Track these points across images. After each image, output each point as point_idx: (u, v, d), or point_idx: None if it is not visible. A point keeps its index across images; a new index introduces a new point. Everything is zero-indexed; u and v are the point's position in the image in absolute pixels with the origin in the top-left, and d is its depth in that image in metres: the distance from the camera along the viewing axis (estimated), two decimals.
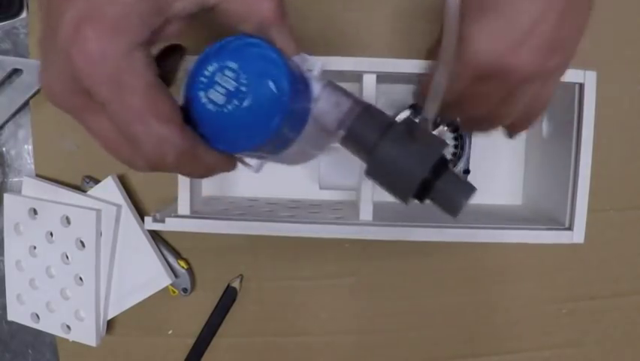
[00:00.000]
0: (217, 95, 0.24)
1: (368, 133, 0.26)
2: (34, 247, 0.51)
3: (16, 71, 0.50)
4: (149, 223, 0.41)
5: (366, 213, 0.41)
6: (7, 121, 0.52)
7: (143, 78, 0.22)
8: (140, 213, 0.51)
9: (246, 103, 0.24)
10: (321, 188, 0.46)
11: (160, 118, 0.23)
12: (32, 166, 0.53)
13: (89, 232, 0.49)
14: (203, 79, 0.25)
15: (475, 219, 0.42)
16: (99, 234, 0.50)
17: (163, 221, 0.41)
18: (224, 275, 0.53)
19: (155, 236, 0.52)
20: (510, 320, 0.53)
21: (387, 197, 0.46)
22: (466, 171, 0.48)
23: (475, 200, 0.50)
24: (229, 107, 0.24)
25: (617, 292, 0.52)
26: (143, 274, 0.51)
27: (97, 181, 0.51)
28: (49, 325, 0.52)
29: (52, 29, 0.22)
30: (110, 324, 0.53)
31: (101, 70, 0.21)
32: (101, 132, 0.24)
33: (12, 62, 0.50)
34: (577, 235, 0.40)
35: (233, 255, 0.52)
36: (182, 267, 0.52)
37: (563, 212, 0.41)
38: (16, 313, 0.53)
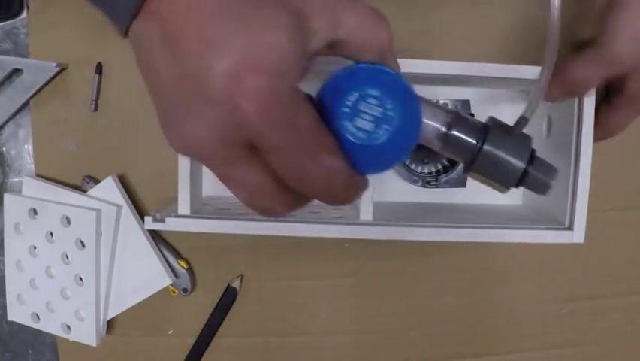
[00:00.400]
0: (365, 123, 0.26)
1: (470, 137, 0.30)
2: (34, 247, 0.51)
3: (16, 71, 0.50)
4: (149, 223, 0.41)
5: (366, 213, 0.41)
6: (7, 121, 0.52)
7: (311, 116, 0.23)
8: (140, 213, 0.51)
9: (394, 127, 0.26)
10: None
11: (330, 152, 0.23)
12: (32, 166, 0.53)
13: (89, 232, 0.49)
14: (346, 109, 0.26)
15: (476, 219, 0.42)
16: (99, 234, 0.50)
17: (163, 221, 0.41)
18: (224, 275, 0.53)
19: (155, 236, 0.52)
20: (510, 320, 0.53)
21: (387, 197, 0.46)
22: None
23: (475, 200, 0.50)
24: (380, 132, 0.26)
25: (617, 292, 0.52)
26: (143, 274, 0.51)
27: (97, 181, 0.51)
28: (49, 325, 0.52)
29: (191, 81, 0.21)
30: (110, 324, 0.53)
31: (274, 115, 0.21)
32: (247, 182, 0.24)
33: (12, 62, 0.50)
34: (577, 235, 0.40)
35: (234, 255, 0.52)
36: (182, 267, 0.52)
37: (563, 212, 0.41)
38: (16, 313, 0.53)
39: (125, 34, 0.24)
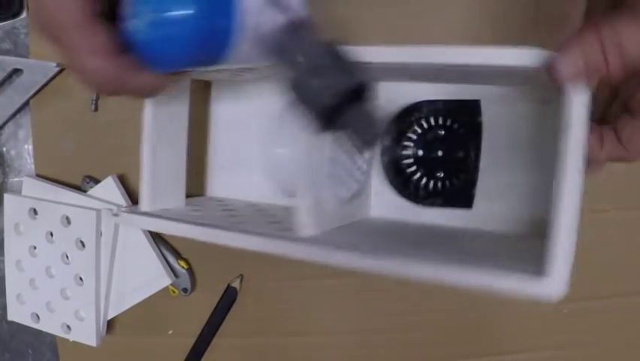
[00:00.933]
0: (139, 21, 0.25)
1: (294, 50, 0.26)
2: (35, 247, 0.51)
3: (16, 71, 0.50)
4: (107, 215, 0.41)
5: (306, 227, 0.36)
6: (7, 121, 0.52)
7: (72, 17, 0.26)
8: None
9: (160, 19, 0.24)
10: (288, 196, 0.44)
11: (91, 51, 0.26)
12: (32, 166, 0.53)
13: (89, 232, 0.49)
14: (130, 9, 0.26)
15: (464, 249, 0.36)
16: (99, 234, 0.50)
17: (117, 215, 0.41)
18: (224, 275, 0.53)
19: (155, 236, 0.52)
20: (510, 321, 0.53)
21: (381, 213, 0.41)
22: (472, 190, 0.42)
23: (482, 225, 0.41)
24: (148, 27, 0.25)
25: (617, 292, 0.52)
26: (143, 274, 0.51)
27: (97, 181, 0.51)
28: (49, 325, 0.52)
29: None
30: (110, 324, 0.53)
31: (44, 17, 0.27)
32: (65, 60, 0.28)
33: (12, 62, 0.50)
34: (551, 285, 0.27)
35: (234, 255, 0.52)
36: (182, 267, 0.52)
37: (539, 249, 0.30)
38: (16, 313, 0.53)
39: None
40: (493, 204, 0.41)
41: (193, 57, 0.25)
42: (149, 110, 0.42)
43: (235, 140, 0.50)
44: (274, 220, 0.42)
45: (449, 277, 0.33)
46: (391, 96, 0.43)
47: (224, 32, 0.25)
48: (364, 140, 0.27)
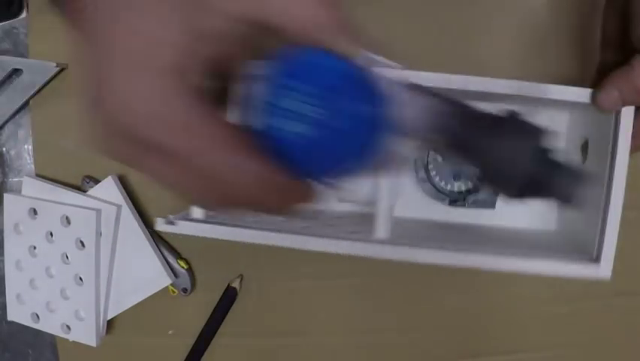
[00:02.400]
0: (292, 123, 0.20)
1: (476, 133, 0.23)
2: (34, 247, 0.51)
3: (16, 71, 0.50)
4: (161, 225, 0.40)
5: (382, 230, 0.39)
6: (7, 121, 0.52)
7: (205, 112, 0.20)
8: (140, 213, 0.51)
9: (324, 125, 0.20)
10: (338, 201, 0.44)
11: (236, 150, 0.20)
12: (32, 166, 0.53)
13: (89, 232, 0.49)
14: (271, 105, 0.21)
15: (498, 245, 0.40)
16: (99, 234, 0.50)
17: (174, 223, 0.40)
18: (224, 275, 0.53)
19: (155, 236, 0.52)
20: (510, 320, 0.53)
21: (408, 213, 0.43)
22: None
23: (504, 223, 0.47)
24: (309, 131, 0.20)
25: (617, 292, 0.52)
26: (143, 274, 0.51)
27: (97, 181, 0.51)
28: (49, 325, 0.52)
29: (97, 88, 0.21)
30: (110, 324, 0.53)
31: (139, 115, 0.19)
32: (165, 176, 0.21)
33: (12, 62, 0.50)
34: (603, 269, 0.37)
35: (234, 255, 0.52)
36: (182, 267, 0.52)
37: (592, 241, 0.38)
38: (16, 313, 0.53)
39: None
40: (513, 204, 0.45)
41: (357, 162, 0.22)
42: None
43: None
44: (331, 223, 0.44)
45: (523, 267, 0.37)
46: None
47: (381, 129, 0.22)
48: (567, 195, 0.24)
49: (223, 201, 0.21)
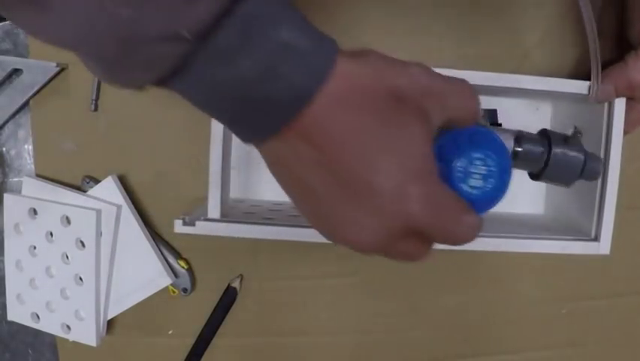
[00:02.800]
0: (476, 181, 0.31)
1: (537, 149, 0.36)
2: (34, 247, 0.51)
3: (16, 71, 0.50)
4: (179, 226, 0.39)
5: None
6: (7, 121, 0.52)
7: (449, 193, 0.28)
8: (140, 213, 0.51)
9: (497, 178, 0.31)
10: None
11: (467, 212, 0.28)
12: (32, 166, 0.53)
13: (89, 232, 0.49)
14: (459, 173, 0.31)
15: (500, 228, 0.41)
16: (99, 234, 0.50)
17: (193, 224, 0.40)
18: (225, 275, 0.53)
19: (155, 236, 0.52)
20: (510, 320, 0.53)
21: None
22: None
23: (496, 208, 0.49)
24: (488, 185, 0.31)
25: (617, 292, 0.52)
26: (143, 274, 0.51)
27: (97, 181, 0.51)
28: (49, 325, 0.52)
29: (358, 198, 0.25)
30: (110, 324, 0.53)
31: (433, 208, 0.26)
32: (406, 253, 0.28)
33: (12, 62, 0.50)
34: (603, 246, 0.40)
35: (234, 255, 0.52)
36: (182, 267, 0.52)
37: (588, 223, 0.41)
38: (16, 313, 0.53)
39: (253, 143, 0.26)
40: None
41: (500, 200, 0.32)
42: None
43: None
44: None
45: (528, 247, 0.41)
46: None
47: (510, 176, 0.32)
48: (596, 174, 0.38)
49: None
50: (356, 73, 0.24)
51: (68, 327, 0.52)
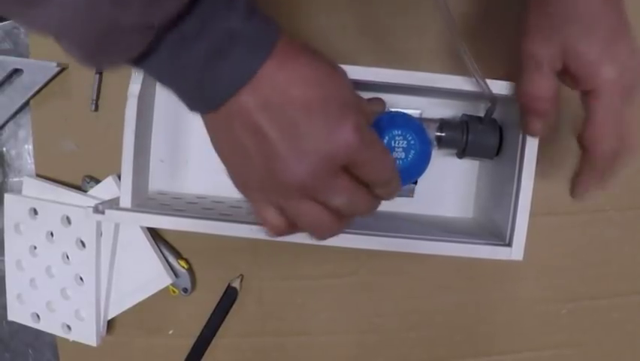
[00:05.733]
0: (399, 154, 0.37)
1: (458, 135, 0.44)
2: (35, 247, 0.51)
3: (16, 71, 0.50)
4: (89, 214, 0.40)
5: None
6: (7, 121, 0.52)
7: (379, 140, 0.31)
8: None
9: (416, 150, 0.37)
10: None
11: (390, 158, 0.31)
12: (32, 166, 0.53)
13: (89, 232, 0.49)
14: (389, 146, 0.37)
15: (419, 230, 0.42)
16: (99, 234, 0.50)
17: (103, 212, 0.41)
18: (225, 275, 0.53)
19: (156, 236, 0.52)
20: (510, 320, 0.53)
21: None
22: (415, 182, 0.48)
23: (424, 211, 0.51)
24: (409, 156, 0.37)
25: (617, 292, 0.52)
26: (143, 274, 0.51)
27: (97, 181, 0.51)
28: (49, 325, 0.52)
29: (298, 132, 0.27)
30: (110, 324, 0.53)
31: (364, 143, 0.28)
32: (315, 216, 0.30)
33: (12, 62, 0.50)
34: (515, 252, 0.40)
35: (234, 255, 0.52)
36: (183, 267, 0.52)
37: (505, 228, 0.41)
38: (17, 313, 0.53)
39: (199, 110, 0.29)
40: (430, 193, 0.51)
41: (421, 173, 0.38)
42: (132, 105, 0.43)
43: (175, 134, 0.50)
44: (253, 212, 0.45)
45: (440, 250, 0.41)
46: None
47: (430, 154, 0.38)
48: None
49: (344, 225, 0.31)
50: (294, 51, 0.28)
51: (69, 327, 0.52)
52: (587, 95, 0.34)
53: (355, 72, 0.39)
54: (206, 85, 0.27)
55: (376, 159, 0.30)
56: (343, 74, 0.30)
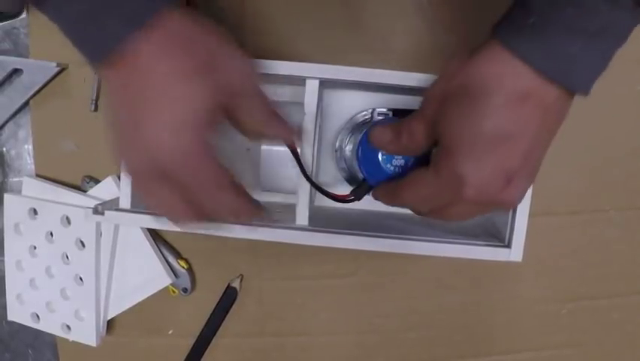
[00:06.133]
0: (398, 161, 0.38)
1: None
2: (35, 247, 0.51)
3: (16, 71, 0.50)
4: (89, 215, 0.41)
5: (302, 217, 0.41)
6: (7, 121, 0.52)
7: (208, 162, 0.30)
8: None
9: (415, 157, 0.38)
10: (262, 190, 0.45)
11: (221, 188, 0.31)
12: (32, 166, 0.53)
13: (89, 232, 0.49)
14: (383, 157, 0.38)
15: (415, 231, 0.42)
16: (99, 234, 0.50)
17: (102, 213, 0.41)
18: (224, 275, 0.53)
19: (155, 236, 0.52)
20: (510, 320, 0.53)
21: (333, 203, 0.45)
22: None
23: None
24: (410, 163, 0.38)
25: (617, 292, 0.52)
26: (143, 274, 0.51)
27: (97, 181, 0.51)
28: (49, 325, 0.52)
29: (135, 130, 0.29)
30: (110, 324, 0.53)
31: (180, 163, 0.29)
32: (164, 199, 0.31)
33: (12, 62, 0.50)
34: (514, 253, 0.40)
35: (234, 255, 0.52)
36: (183, 267, 0.52)
37: (504, 229, 0.41)
38: (17, 313, 0.53)
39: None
40: None
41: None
42: None
43: None
44: None
45: (438, 251, 0.40)
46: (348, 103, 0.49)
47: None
48: None
49: (199, 219, 0.32)
50: (176, 26, 0.29)
51: (68, 327, 0.52)
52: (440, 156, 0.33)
53: (355, 73, 0.39)
54: (82, 44, 0.29)
55: (195, 187, 0.30)
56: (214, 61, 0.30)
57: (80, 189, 0.52)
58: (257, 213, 0.34)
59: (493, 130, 0.30)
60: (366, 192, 0.40)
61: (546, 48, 0.29)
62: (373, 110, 0.45)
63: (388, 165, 0.38)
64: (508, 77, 0.30)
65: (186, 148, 0.29)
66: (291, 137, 0.36)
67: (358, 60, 0.49)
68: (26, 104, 0.52)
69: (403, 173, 0.37)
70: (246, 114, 0.33)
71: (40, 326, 0.53)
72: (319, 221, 0.41)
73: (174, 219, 0.32)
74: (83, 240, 0.50)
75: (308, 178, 0.39)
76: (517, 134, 0.30)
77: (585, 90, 0.30)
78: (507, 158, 0.30)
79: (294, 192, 0.42)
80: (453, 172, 0.31)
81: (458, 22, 0.48)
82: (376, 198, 0.38)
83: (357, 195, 0.40)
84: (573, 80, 0.30)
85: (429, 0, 0.48)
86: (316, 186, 0.39)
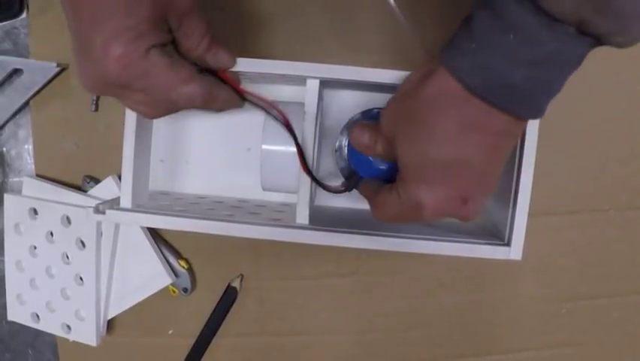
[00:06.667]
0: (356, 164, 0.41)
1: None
2: (35, 247, 0.51)
3: (16, 71, 0.50)
4: (90, 215, 0.41)
5: (302, 217, 0.41)
6: (7, 121, 0.52)
7: (162, 64, 0.32)
8: None
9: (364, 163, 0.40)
10: (263, 190, 0.45)
11: (183, 81, 0.33)
12: (32, 166, 0.53)
13: (90, 231, 0.49)
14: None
15: (415, 229, 0.42)
16: (99, 234, 0.50)
17: (103, 213, 0.41)
18: (225, 275, 0.53)
19: (156, 236, 0.52)
20: (510, 320, 0.53)
21: (334, 202, 0.48)
22: None
23: None
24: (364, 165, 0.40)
25: (617, 292, 0.52)
26: (143, 274, 0.51)
27: (97, 181, 0.51)
28: (49, 325, 0.52)
29: (86, 48, 0.31)
30: (110, 324, 0.53)
31: (132, 72, 0.31)
32: (138, 103, 0.35)
33: (12, 62, 0.50)
34: (514, 252, 0.39)
35: (234, 255, 0.52)
36: (183, 267, 0.52)
37: (504, 227, 0.41)
38: (17, 313, 0.53)
39: None
40: None
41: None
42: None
43: (175, 134, 0.50)
44: (253, 212, 0.45)
45: (444, 250, 0.40)
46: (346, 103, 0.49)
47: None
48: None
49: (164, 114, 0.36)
50: None
51: (68, 327, 0.52)
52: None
53: (356, 73, 0.39)
54: None
55: (155, 90, 0.32)
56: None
57: (81, 189, 0.52)
58: (236, 100, 0.38)
59: (442, 158, 0.30)
60: (357, 183, 0.41)
61: (488, 75, 0.28)
62: (373, 110, 0.45)
63: (381, 165, 0.39)
64: (453, 106, 0.29)
65: (128, 58, 0.30)
66: (232, 63, 0.37)
67: (358, 60, 0.49)
68: (26, 104, 0.52)
69: (391, 165, 0.37)
70: (186, 35, 0.34)
71: (41, 326, 0.53)
72: (319, 220, 0.41)
73: (147, 118, 0.36)
74: (83, 240, 0.50)
75: (305, 167, 0.39)
76: (468, 161, 0.30)
77: (534, 116, 0.30)
78: (460, 183, 0.31)
79: (294, 192, 0.42)
80: (409, 197, 0.32)
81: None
82: (362, 194, 0.40)
83: (347, 187, 0.41)
84: (519, 108, 0.29)
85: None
86: (312, 176, 0.40)
